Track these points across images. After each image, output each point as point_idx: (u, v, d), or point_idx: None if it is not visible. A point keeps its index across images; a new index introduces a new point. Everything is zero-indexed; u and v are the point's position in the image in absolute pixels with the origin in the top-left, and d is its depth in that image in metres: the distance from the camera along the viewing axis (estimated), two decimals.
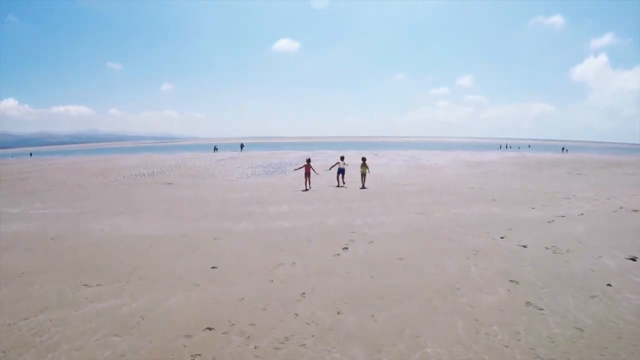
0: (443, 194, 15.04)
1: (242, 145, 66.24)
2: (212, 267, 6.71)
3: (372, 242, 8.23)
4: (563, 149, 78.78)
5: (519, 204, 12.73)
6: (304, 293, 5.55)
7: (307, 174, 17.09)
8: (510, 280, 5.94)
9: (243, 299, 5.39)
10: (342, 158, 18.70)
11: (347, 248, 7.77)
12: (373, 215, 11.02)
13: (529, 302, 5.16)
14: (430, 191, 15.99)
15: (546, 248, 7.61)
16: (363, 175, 17.78)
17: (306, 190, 16.49)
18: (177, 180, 22.71)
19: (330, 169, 19.72)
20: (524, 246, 7.76)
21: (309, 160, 18.15)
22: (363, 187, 17.12)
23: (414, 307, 5.06)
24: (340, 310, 4.99)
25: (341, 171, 17.89)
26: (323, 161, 36.55)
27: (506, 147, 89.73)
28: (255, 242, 8.35)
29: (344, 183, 18.10)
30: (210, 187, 18.85)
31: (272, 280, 6.07)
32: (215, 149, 65.32)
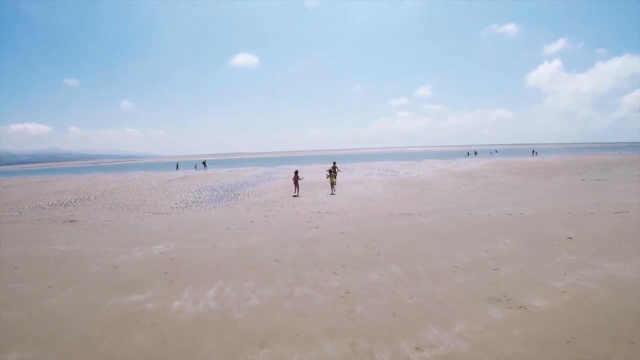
0: (481, 232, 9.43)
1: (204, 163, 62.04)
2: None
3: None
4: (533, 152, 77.73)
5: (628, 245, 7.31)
6: None
7: (296, 182, 20.53)
8: None
9: None
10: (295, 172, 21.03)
11: None
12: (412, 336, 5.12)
13: None
14: (453, 224, 10.36)
15: None
16: (332, 184, 20.67)
17: (296, 196, 19.63)
18: (89, 216, 16.34)
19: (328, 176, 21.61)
20: None
21: (296, 172, 21.10)
22: (332, 194, 19.75)
23: None
24: None
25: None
26: (285, 179, 30.61)
27: (474, 153, 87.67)
28: None
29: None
30: (118, 229, 12.35)
31: None
32: (177, 166, 63.57)
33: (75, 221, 15.24)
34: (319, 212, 13.40)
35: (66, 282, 6.97)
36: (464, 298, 5.40)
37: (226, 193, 23.00)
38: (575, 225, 9.84)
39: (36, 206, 20.90)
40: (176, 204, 19.20)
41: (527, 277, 6.23)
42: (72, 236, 11.71)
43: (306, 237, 9.23)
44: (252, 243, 9.02)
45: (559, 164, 38.59)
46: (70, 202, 22.08)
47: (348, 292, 5.58)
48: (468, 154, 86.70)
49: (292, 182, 20.70)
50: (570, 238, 8.68)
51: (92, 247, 9.98)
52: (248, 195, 20.95)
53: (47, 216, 16.97)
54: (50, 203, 21.96)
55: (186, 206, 18.20)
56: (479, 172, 31.06)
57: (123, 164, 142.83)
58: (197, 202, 19.59)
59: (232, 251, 8.40)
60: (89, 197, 24.07)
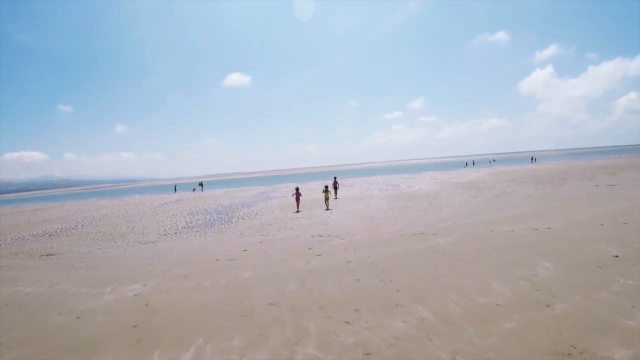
0: (512, 254, 8.08)
1: (201, 184, 61.28)
2: None
3: None
4: (532, 159, 76.94)
5: None
6: None
7: (297, 199, 21.49)
8: None
9: None
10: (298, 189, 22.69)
11: None
12: None
13: None
14: (477, 245, 9.00)
15: None
16: (327, 199, 21.65)
17: (297, 212, 20.18)
18: (69, 248, 15.04)
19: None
20: None
21: (297, 189, 22.48)
22: (327, 209, 20.41)
23: None
24: None
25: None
26: (282, 198, 29.24)
27: (472, 163, 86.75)
28: None
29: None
30: (95, 264, 10.87)
31: None
32: (175, 189, 63.33)
33: (52, 255, 13.79)
34: (320, 235, 11.99)
35: (15, 341, 5.56)
36: (525, 354, 4.02)
37: (219, 216, 21.56)
38: (615, 240, 8.52)
39: (19, 237, 19.41)
40: (165, 230, 17.74)
41: (590, 316, 4.86)
42: (44, 274, 10.29)
43: (307, 269, 7.81)
44: (243, 279, 7.59)
45: (563, 171, 37.46)
46: (56, 231, 20.59)
47: (368, 354, 4.16)
48: (466, 164, 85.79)
49: (294, 199, 21.87)
50: (617, 256, 7.37)
51: (61, 287, 8.56)
52: (243, 218, 19.53)
53: (26, 249, 15.50)
54: (35, 233, 20.49)
55: (175, 233, 16.75)
56: (484, 183, 29.81)
57: (119, 188, 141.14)
58: (188, 227, 18.14)
59: (219, 291, 6.97)
60: (77, 226, 22.63)
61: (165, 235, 16.29)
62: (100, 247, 14.42)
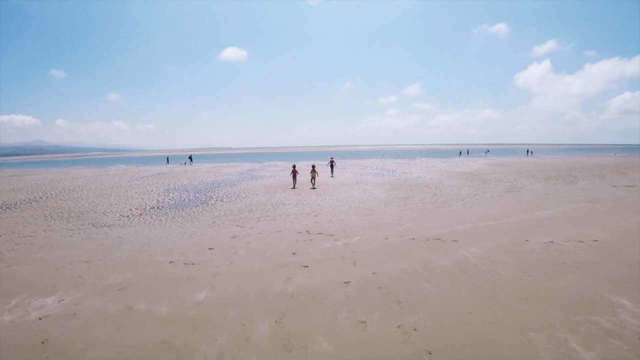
0: (570, 282, 5.89)
1: (190, 158, 59.07)
2: None
3: None
4: (528, 151, 75.46)
5: None
6: None
7: (294, 177, 22.03)
8: None
9: None
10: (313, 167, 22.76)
11: None
12: None
13: None
14: (517, 263, 6.76)
15: None
16: (313, 178, 21.57)
17: (294, 188, 20.93)
18: (12, 228, 12.49)
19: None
20: None
21: (294, 166, 23.12)
22: (313, 188, 20.60)
23: None
24: None
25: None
26: (270, 178, 26.79)
27: (467, 152, 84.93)
28: None
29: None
30: (22, 257, 8.41)
31: None
32: (168, 160, 63.04)
33: None
34: (308, 232, 9.64)
35: None
36: None
37: (197, 196, 19.08)
38: None
39: None
40: (130, 210, 15.26)
41: None
42: None
43: (288, 294, 5.45)
44: (193, 305, 5.23)
45: (566, 166, 35.50)
46: (15, 204, 17.96)
47: None
48: (460, 153, 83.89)
49: (291, 177, 22.40)
50: None
51: None
52: (221, 200, 17.09)
53: None
54: None
55: (140, 214, 14.29)
56: (487, 174, 27.67)
57: (108, 157, 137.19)
58: (157, 208, 15.68)
59: (151, 329, 4.60)
60: (41, 197, 20.03)
61: (127, 217, 13.82)
62: (47, 229, 11.92)
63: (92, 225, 12.49)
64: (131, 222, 12.74)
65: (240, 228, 10.72)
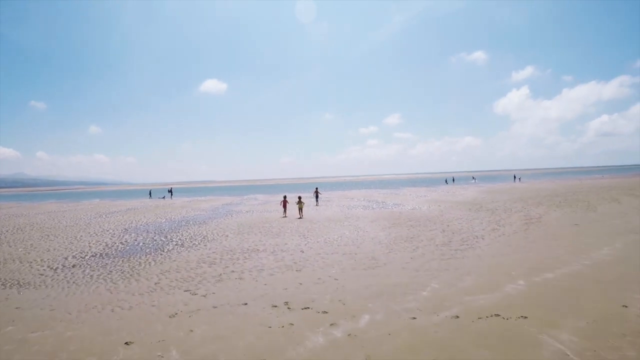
0: None
1: (170, 191, 57.27)
2: None
3: None
4: (515, 177, 74.24)
5: None
6: None
7: (284, 206, 23.11)
8: None
9: None
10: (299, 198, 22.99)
11: None
12: None
13: None
14: None
15: None
16: (300, 209, 21.57)
17: (284, 217, 21.24)
18: None
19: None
20: None
21: (285, 197, 24.29)
22: (300, 217, 20.55)
23: None
24: None
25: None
26: (247, 213, 23.38)
27: (452, 180, 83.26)
28: None
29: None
30: None
31: None
32: (150, 194, 60.85)
33: None
34: (287, 304, 6.34)
35: None
36: None
37: (155, 238, 15.54)
38: None
39: None
40: (66, 259, 11.98)
41: None
42: None
43: None
44: None
45: (566, 191, 33.16)
46: None
47: None
48: (447, 181, 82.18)
49: (281, 206, 23.40)
50: None
51: None
52: (181, 245, 13.65)
53: None
54: None
55: (74, 265, 10.95)
56: (488, 203, 24.96)
57: (85, 191, 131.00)
58: (100, 255, 12.25)
59: None
60: None
61: (55, 270, 10.44)
62: None
63: (1, 284, 9.00)
64: (52, 280, 9.28)
65: (189, 295, 7.34)
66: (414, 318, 5.49)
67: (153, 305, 6.73)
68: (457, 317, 5.51)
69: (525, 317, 5.28)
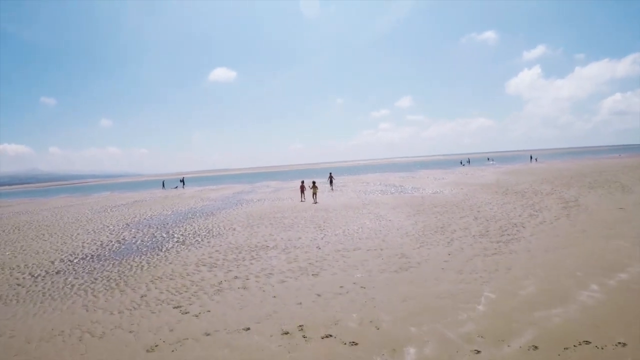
0: None
1: (182, 181, 56.29)
2: None
3: None
4: (531, 157, 71.61)
5: None
6: None
7: (302, 191, 23.42)
8: None
9: None
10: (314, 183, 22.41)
11: None
12: None
13: None
14: None
15: None
16: (314, 194, 21.59)
17: (302, 201, 21.78)
18: None
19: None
20: None
21: (303, 182, 24.23)
22: (315, 202, 20.66)
23: None
24: None
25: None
26: (258, 202, 21.99)
27: (468, 162, 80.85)
28: None
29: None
30: None
31: None
32: (164, 185, 58.82)
33: None
34: (301, 327, 4.88)
35: None
36: None
37: (155, 234, 14.25)
38: None
39: None
40: (52, 262, 10.95)
41: None
42: None
43: None
44: None
45: (589, 171, 30.80)
46: None
47: None
48: (462, 162, 79.79)
49: (300, 191, 23.84)
50: None
51: None
52: (182, 242, 12.31)
53: None
54: None
55: (57, 272, 9.76)
56: (513, 185, 23.09)
57: (99, 184, 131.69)
58: (91, 257, 11.03)
59: None
60: None
61: (34, 278, 9.30)
62: None
63: None
64: (27, 293, 8.04)
65: (179, 314, 5.92)
66: (478, 352, 3.96)
67: (131, 332, 5.32)
68: (536, 347, 3.98)
69: (624, 345, 3.72)
